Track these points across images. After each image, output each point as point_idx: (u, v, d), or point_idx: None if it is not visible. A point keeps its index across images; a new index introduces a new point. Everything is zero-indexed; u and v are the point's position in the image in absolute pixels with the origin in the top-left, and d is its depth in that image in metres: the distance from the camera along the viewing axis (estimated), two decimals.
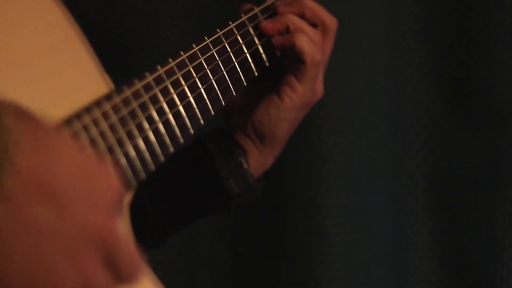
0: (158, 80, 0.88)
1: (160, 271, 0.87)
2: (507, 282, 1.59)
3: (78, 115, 0.76)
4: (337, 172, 1.55)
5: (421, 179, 1.61)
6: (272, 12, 1.11)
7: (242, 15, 1.07)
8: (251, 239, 1.58)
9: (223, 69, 1.01)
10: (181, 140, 0.90)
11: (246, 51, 1.06)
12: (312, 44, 1.07)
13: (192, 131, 0.92)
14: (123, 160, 0.80)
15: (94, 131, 0.77)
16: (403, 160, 1.60)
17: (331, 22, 1.11)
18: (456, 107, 1.59)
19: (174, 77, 0.91)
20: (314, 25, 1.10)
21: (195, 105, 0.94)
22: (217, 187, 1.10)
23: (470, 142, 1.59)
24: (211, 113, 0.97)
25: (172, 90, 0.90)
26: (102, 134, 0.78)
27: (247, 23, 1.07)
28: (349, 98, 1.56)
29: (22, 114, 0.60)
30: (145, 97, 0.85)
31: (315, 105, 1.55)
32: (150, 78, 0.87)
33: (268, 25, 1.08)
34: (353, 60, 1.56)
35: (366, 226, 1.58)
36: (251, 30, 1.07)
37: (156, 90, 0.88)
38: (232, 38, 1.04)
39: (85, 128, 0.76)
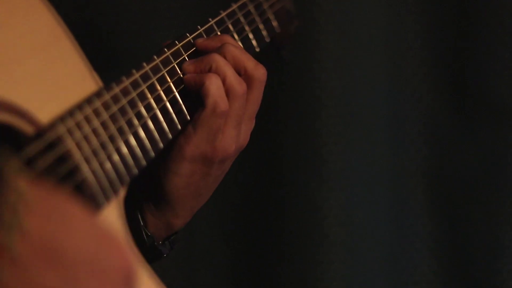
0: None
1: (160, 271, 0.87)
2: (507, 282, 1.59)
3: (70, 112, 0.77)
4: (337, 172, 1.55)
5: (421, 179, 1.60)
6: (196, 49, 1.01)
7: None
8: (251, 239, 1.58)
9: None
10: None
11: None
12: (221, 91, 0.96)
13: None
14: (115, 157, 0.81)
15: (86, 128, 0.77)
16: (403, 160, 1.60)
17: (256, 71, 0.99)
18: (456, 107, 1.59)
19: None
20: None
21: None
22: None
23: (470, 142, 1.59)
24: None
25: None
26: (95, 131, 0.79)
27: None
28: (349, 98, 1.56)
29: (36, 179, 0.60)
30: (133, 94, 0.86)
31: (315, 105, 1.57)
32: (137, 75, 0.88)
33: (189, 66, 0.98)
34: (353, 60, 1.56)
35: (366, 226, 1.58)
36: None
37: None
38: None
39: (78, 125, 0.77)
